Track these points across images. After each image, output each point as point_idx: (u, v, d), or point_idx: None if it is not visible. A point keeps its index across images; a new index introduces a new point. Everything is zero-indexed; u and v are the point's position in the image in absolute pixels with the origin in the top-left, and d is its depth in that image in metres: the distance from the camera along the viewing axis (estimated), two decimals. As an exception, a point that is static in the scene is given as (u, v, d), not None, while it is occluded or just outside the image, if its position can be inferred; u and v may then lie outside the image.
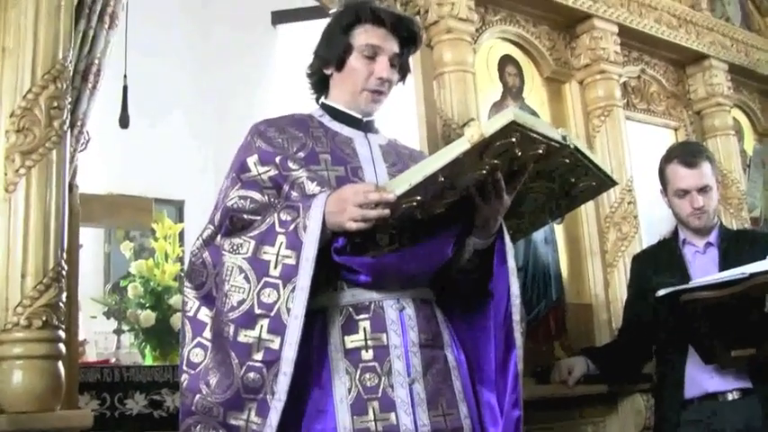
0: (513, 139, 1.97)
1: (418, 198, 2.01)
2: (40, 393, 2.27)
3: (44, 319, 2.31)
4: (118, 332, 5.28)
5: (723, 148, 4.60)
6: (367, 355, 2.09)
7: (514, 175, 2.16)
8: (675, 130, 4.65)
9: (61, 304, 2.38)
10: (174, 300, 4.96)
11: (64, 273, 2.43)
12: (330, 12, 3.34)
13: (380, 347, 2.09)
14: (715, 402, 2.95)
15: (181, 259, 5.43)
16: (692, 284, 2.86)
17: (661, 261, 3.23)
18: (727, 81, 4.76)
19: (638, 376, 3.48)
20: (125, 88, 4.96)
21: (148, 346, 4.94)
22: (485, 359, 2.28)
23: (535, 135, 2.01)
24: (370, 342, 2.09)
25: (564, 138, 2.11)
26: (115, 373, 4.12)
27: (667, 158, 3.20)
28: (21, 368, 2.27)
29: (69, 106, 2.56)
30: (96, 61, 2.79)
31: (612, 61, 4.08)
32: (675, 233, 3.27)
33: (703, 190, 3.10)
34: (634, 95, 4.45)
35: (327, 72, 2.38)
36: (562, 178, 2.34)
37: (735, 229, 3.95)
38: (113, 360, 5.00)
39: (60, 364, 2.35)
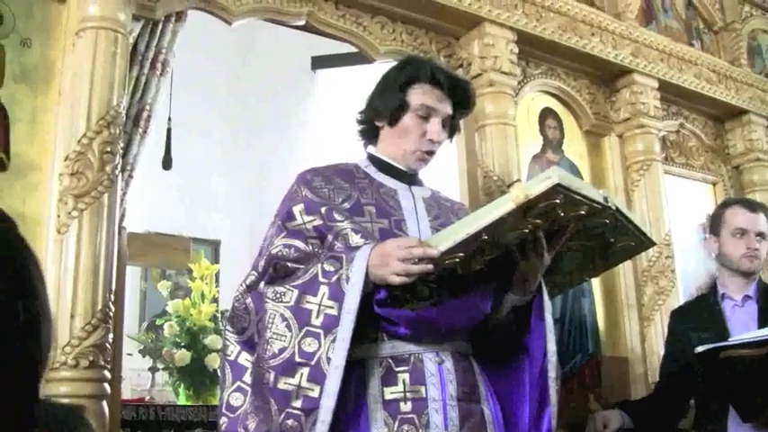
0: (557, 201, 1.99)
1: (461, 254, 2.03)
2: (85, 433, 2.30)
3: (91, 359, 2.36)
4: (153, 370, 5.31)
5: (762, 204, 4.56)
6: (405, 407, 2.09)
7: (555, 234, 2.17)
8: (714, 184, 4.66)
9: (108, 345, 2.43)
10: (210, 339, 4.98)
11: (111, 314, 2.47)
12: (375, 62, 3.41)
13: (419, 400, 2.10)
14: (755, 462, 2.93)
15: (216, 300, 5.46)
16: (731, 342, 2.85)
17: (699, 316, 3.22)
18: (767, 136, 4.75)
19: (673, 432, 3.45)
20: (169, 131, 5.02)
21: (182, 385, 4.95)
22: (518, 413, 2.27)
23: (578, 197, 2.02)
24: (408, 394, 2.10)
25: (606, 199, 2.12)
26: (151, 411, 4.16)
27: (726, 204, 3.31)
28: (66, 407, 2.31)
29: (121, 151, 2.62)
30: (147, 107, 2.86)
31: (652, 116, 4.11)
32: (714, 288, 3.27)
33: (760, 235, 3.16)
34: (673, 149, 4.47)
35: (379, 124, 2.40)
36: (601, 237, 2.34)
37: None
38: (147, 398, 5.03)
39: (105, 403, 2.39)
